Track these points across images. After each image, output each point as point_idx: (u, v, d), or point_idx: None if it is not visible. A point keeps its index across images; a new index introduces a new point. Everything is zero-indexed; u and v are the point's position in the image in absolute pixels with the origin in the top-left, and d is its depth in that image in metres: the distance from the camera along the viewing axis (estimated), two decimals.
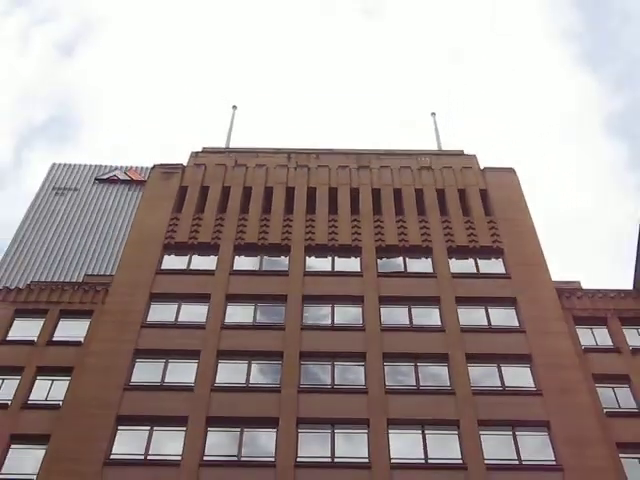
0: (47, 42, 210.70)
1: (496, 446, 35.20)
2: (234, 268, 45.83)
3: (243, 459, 34.79)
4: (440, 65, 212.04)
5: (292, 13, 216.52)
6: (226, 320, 41.95)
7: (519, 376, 38.85)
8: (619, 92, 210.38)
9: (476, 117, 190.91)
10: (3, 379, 39.55)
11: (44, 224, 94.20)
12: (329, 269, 46.10)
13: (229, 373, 38.88)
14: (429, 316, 42.44)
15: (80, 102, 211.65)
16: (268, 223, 49.15)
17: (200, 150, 58.07)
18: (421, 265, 46.35)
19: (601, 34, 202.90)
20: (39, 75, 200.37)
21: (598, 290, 46.36)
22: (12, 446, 36.21)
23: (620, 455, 35.72)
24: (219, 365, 39.23)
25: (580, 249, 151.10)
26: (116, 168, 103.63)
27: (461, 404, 37.11)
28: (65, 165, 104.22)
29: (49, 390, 39.03)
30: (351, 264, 46.34)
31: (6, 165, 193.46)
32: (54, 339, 42.11)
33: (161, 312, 42.44)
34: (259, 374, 39.22)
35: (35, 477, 34.32)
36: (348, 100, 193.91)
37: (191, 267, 46.10)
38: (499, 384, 38.53)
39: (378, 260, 46.41)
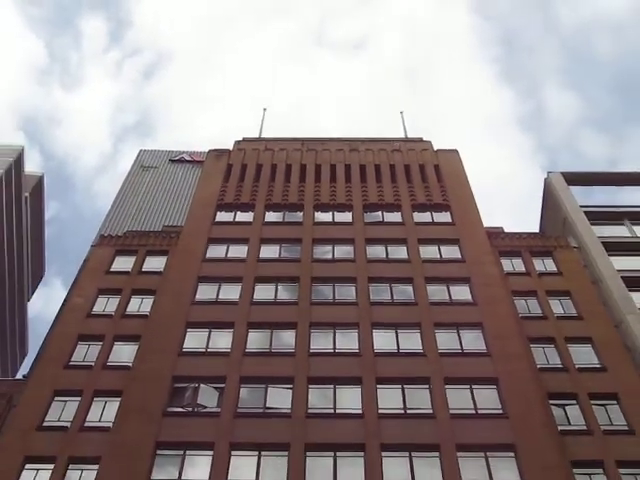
0: (134, 69, 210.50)
1: (446, 340, 35.11)
2: (265, 220, 45.37)
3: (273, 350, 34.79)
4: (409, 81, 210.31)
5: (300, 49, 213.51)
6: (260, 256, 41.66)
7: (462, 292, 38.60)
8: (528, 100, 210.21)
9: (433, 114, 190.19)
10: (108, 297, 39.58)
11: (134, 192, 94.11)
12: (330, 220, 45.59)
13: (263, 292, 38.64)
14: (400, 252, 42.03)
15: (157, 110, 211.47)
16: (288, 189, 48.64)
17: (241, 139, 57.40)
18: (394, 217, 45.82)
19: (516, 60, 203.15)
20: (129, 92, 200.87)
21: (515, 233, 46.22)
22: (115, 344, 36.42)
23: (530, 345, 35.83)
24: (255, 287, 38.99)
25: (503, 204, 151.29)
26: (183, 152, 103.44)
27: (422, 311, 36.96)
28: (148, 151, 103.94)
29: (140, 305, 39.07)
30: (346, 217, 45.81)
31: (108, 153, 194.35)
32: (142, 270, 42.03)
33: (215, 251, 42.14)
34: (284, 292, 39.00)
35: (131, 364, 34.57)
36: (344, 105, 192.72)
37: (236, 220, 45.65)
38: (447, 298, 38.37)
39: (364, 214, 45.97)
